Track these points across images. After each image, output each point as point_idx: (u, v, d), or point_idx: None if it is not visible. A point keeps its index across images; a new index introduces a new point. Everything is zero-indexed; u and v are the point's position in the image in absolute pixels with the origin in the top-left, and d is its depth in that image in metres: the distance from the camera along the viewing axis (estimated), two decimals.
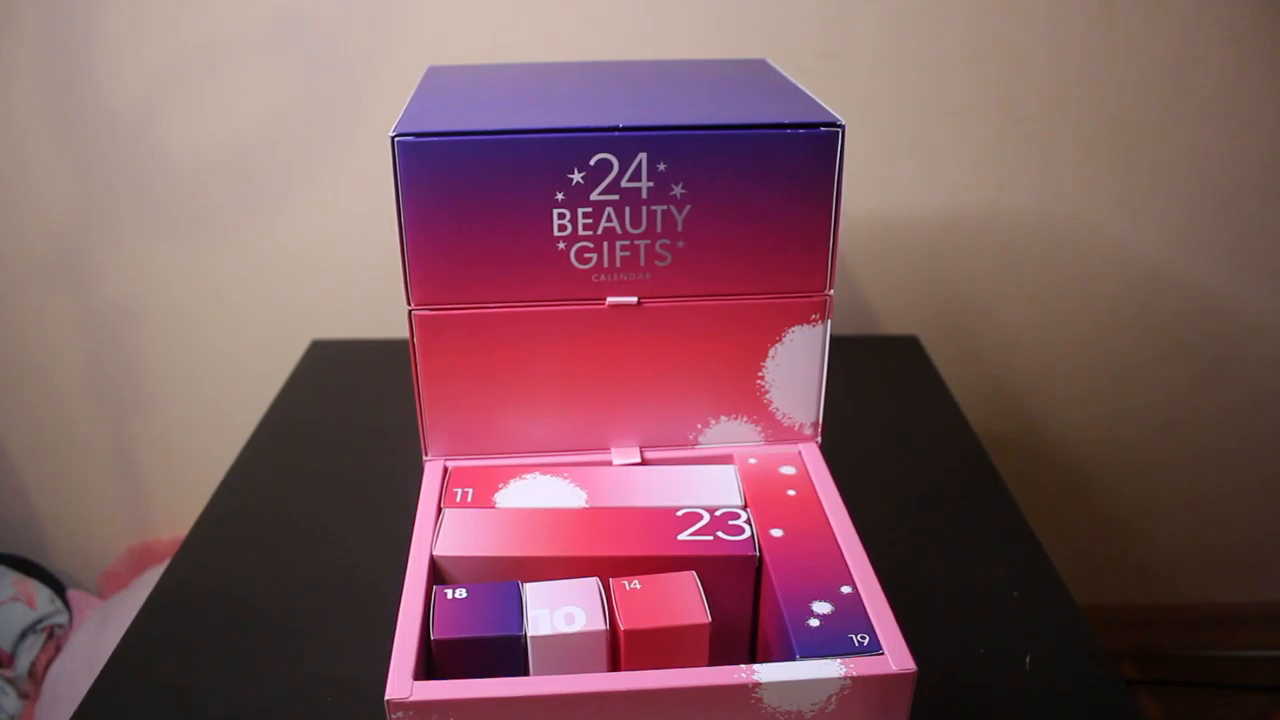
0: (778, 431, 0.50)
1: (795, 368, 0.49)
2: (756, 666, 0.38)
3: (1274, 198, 0.90)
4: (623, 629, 0.40)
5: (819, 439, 0.51)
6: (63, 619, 1.01)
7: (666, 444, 0.50)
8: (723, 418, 0.50)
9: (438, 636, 0.40)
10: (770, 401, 0.49)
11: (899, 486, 0.67)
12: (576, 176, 0.43)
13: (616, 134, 0.43)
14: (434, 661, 0.40)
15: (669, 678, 0.37)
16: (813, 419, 0.50)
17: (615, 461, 0.50)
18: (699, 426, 0.50)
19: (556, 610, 0.41)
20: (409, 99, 0.49)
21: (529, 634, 0.40)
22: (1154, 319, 0.95)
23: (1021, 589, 0.58)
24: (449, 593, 0.42)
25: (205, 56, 0.84)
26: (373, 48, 0.84)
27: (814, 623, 0.40)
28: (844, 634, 0.40)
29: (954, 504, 0.64)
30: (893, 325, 0.95)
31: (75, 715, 0.50)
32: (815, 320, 0.48)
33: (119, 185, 0.89)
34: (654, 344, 0.47)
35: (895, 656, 0.38)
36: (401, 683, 0.37)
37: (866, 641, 0.39)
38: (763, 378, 0.49)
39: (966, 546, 0.61)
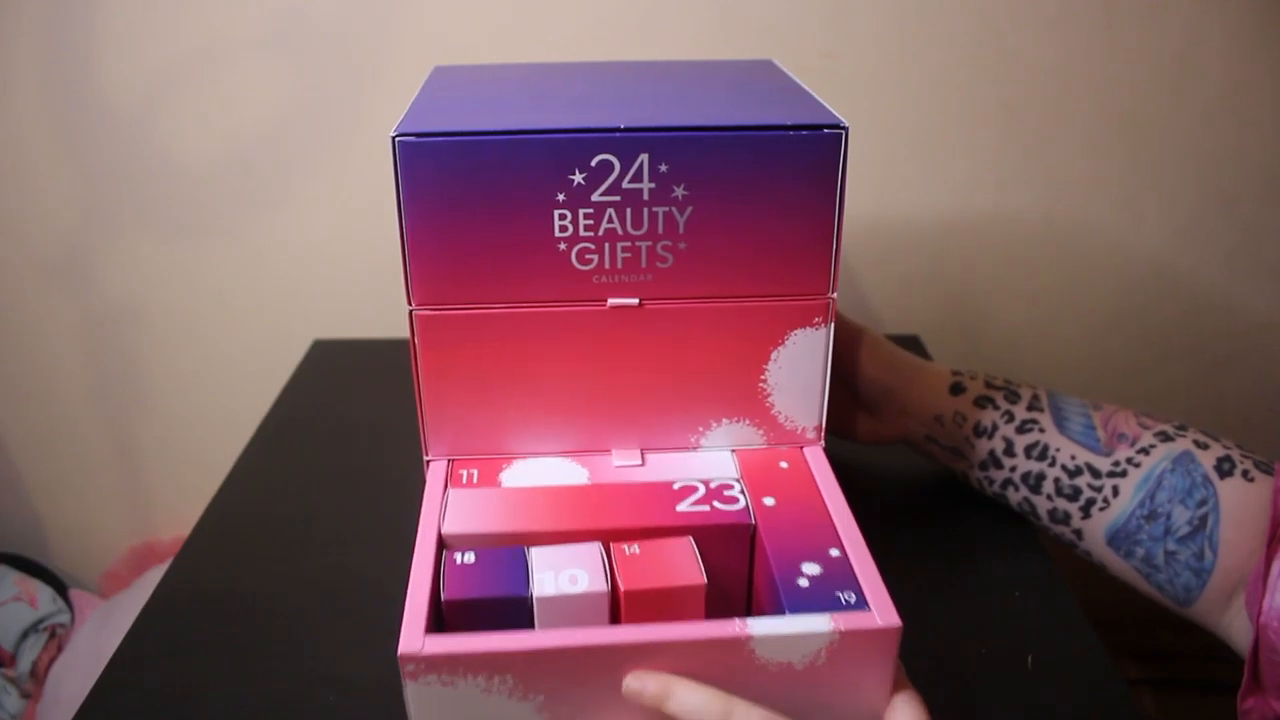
0: (780, 435, 0.50)
1: (798, 371, 0.49)
2: (749, 620, 0.39)
3: (1277, 199, 0.90)
4: (623, 589, 0.42)
5: (823, 442, 0.51)
6: (64, 618, 1.02)
7: (667, 446, 0.50)
8: (724, 420, 0.50)
9: (448, 597, 0.41)
10: (773, 404, 0.49)
11: (900, 486, 0.67)
12: (578, 177, 0.43)
13: (618, 135, 0.43)
14: (444, 623, 0.42)
15: (666, 631, 0.39)
16: (815, 422, 0.50)
17: (616, 463, 0.50)
18: (700, 429, 0.50)
19: (561, 572, 0.42)
20: (412, 99, 0.49)
21: (535, 595, 0.41)
22: (1156, 320, 0.95)
23: (1022, 589, 0.58)
24: (458, 557, 0.43)
25: (207, 56, 0.84)
26: (375, 47, 0.84)
27: (803, 583, 0.42)
28: (832, 592, 0.41)
29: (955, 503, 0.64)
30: (894, 325, 0.95)
31: (77, 715, 0.50)
32: (818, 323, 0.48)
33: (120, 185, 0.89)
34: (655, 346, 0.47)
35: (881, 613, 0.40)
36: (414, 638, 0.38)
37: (854, 600, 0.41)
38: (765, 380, 0.49)
39: (967, 546, 0.61)
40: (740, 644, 0.39)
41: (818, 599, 0.41)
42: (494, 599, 0.42)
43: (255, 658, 0.53)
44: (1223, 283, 0.93)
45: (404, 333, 0.47)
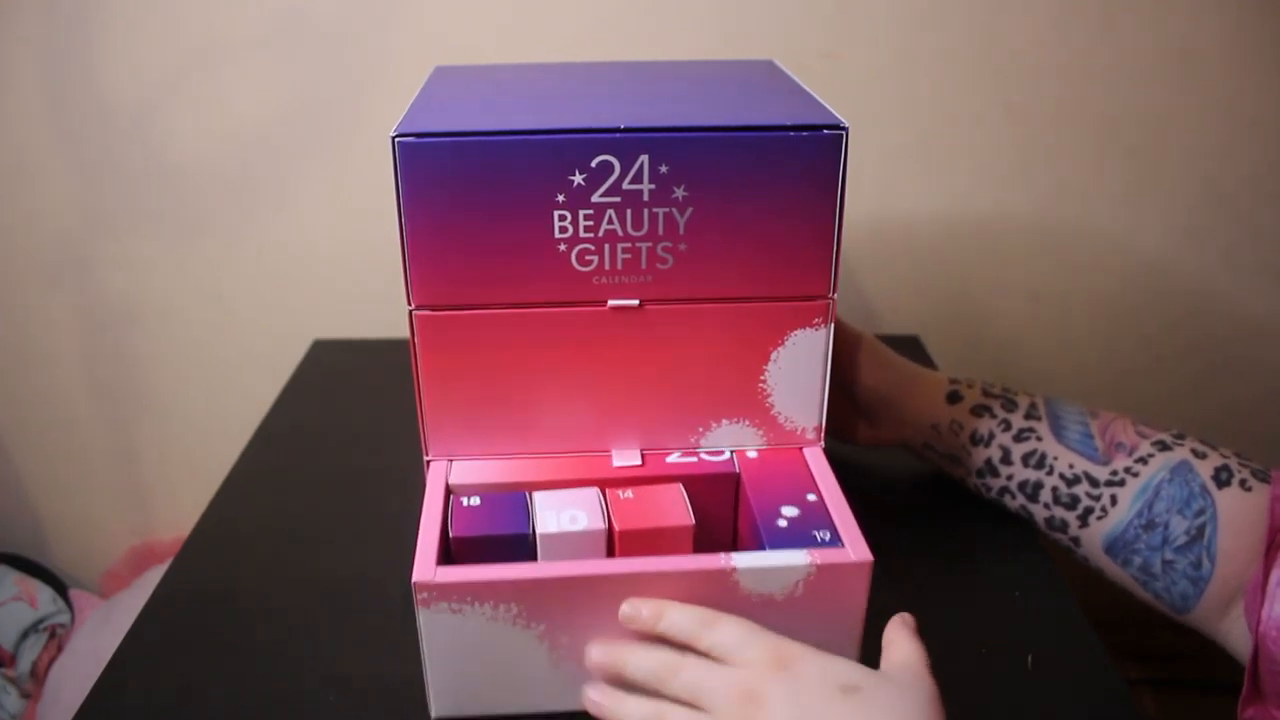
0: (780, 435, 0.50)
1: (798, 371, 0.49)
2: (734, 554, 0.43)
3: (1277, 198, 0.90)
4: (617, 529, 0.45)
5: (823, 443, 0.51)
6: (64, 619, 1.02)
7: (668, 447, 0.50)
8: (724, 421, 0.50)
9: (456, 535, 0.45)
10: (772, 405, 0.49)
11: (900, 486, 0.67)
12: (577, 178, 0.43)
13: (618, 135, 0.43)
14: (453, 561, 0.45)
15: (658, 563, 0.43)
16: (815, 423, 0.50)
17: (615, 463, 0.50)
18: (700, 429, 0.50)
19: (561, 513, 0.46)
20: (412, 99, 0.49)
21: (538, 532, 0.45)
22: (1156, 319, 0.95)
23: (1022, 589, 0.58)
24: (464, 500, 0.47)
25: (206, 56, 0.84)
26: (375, 47, 0.84)
27: (782, 523, 0.46)
28: (809, 531, 0.45)
29: (955, 504, 0.64)
30: (894, 326, 0.95)
31: (77, 715, 0.50)
32: (818, 324, 0.48)
33: (120, 185, 0.89)
34: (655, 347, 0.47)
35: (854, 549, 0.44)
36: (426, 568, 0.42)
37: (829, 537, 0.45)
38: (765, 381, 0.49)
39: (967, 546, 0.61)
40: (725, 575, 0.43)
41: (796, 537, 0.45)
42: (499, 536, 0.45)
43: (255, 658, 0.53)
44: (1223, 283, 0.93)
45: (404, 333, 0.47)
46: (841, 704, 0.38)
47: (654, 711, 0.41)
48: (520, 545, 0.45)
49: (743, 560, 0.43)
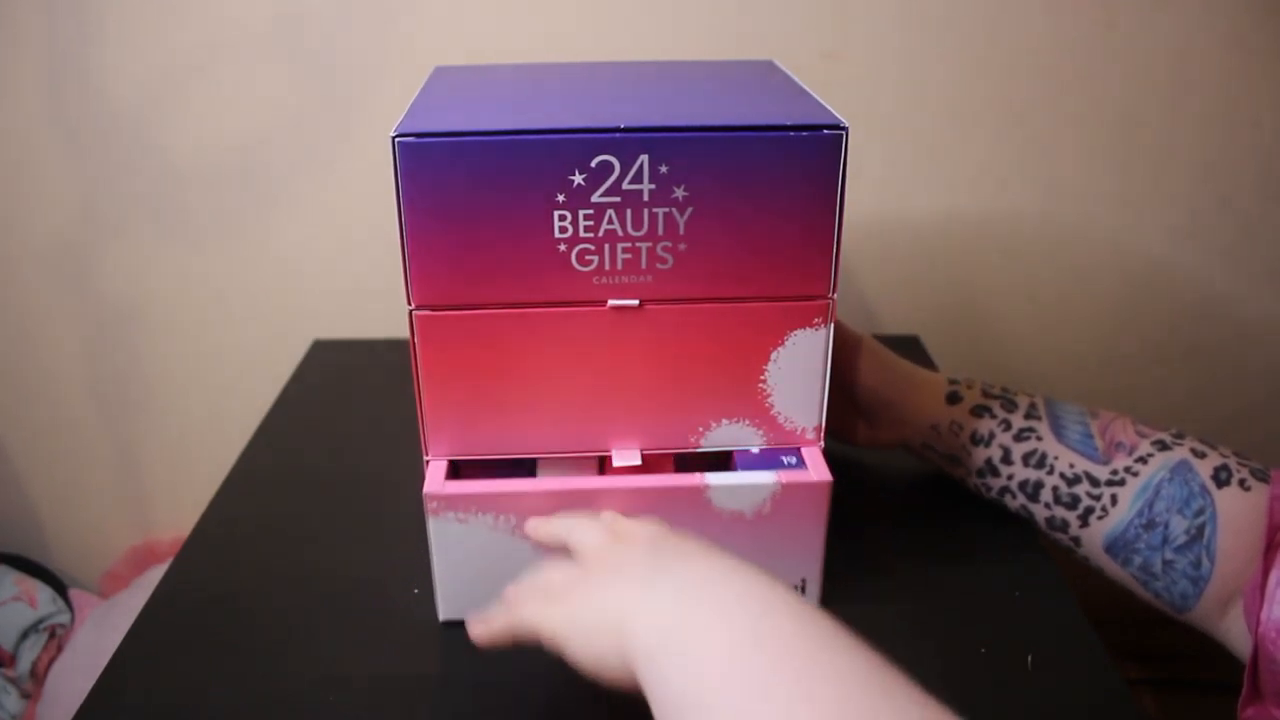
0: (780, 435, 0.51)
1: (798, 371, 0.49)
2: (707, 473, 0.48)
3: (1276, 198, 0.90)
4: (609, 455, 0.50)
5: (822, 443, 0.51)
6: (64, 618, 1.02)
7: (668, 447, 0.50)
8: (724, 421, 0.50)
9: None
10: (772, 405, 0.50)
11: (900, 486, 0.67)
12: (577, 178, 0.43)
13: (618, 135, 0.43)
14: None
15: (641, 480, 0.48)
16: (815, 423, 0.50)
17: (615, 463, 0.50)
18: (700, 429, 0.50)
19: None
20: (412, 99, 0.49)
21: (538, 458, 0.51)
22: (1155, 319, 0.95)
23: (1022, 589, 0.58)
24: None
25: (207, 56, 0.84)
26: (375, 47, 0.84)
27: (755, 450, 0.51)
28: (778, 457, 0.51)
29: (955, 504, 0.64)
30: (893, 325, 0.95)
31: (77, 715, 0.50)
32: (818, 324, 0.48)
33: (121, 185, 0.89)
34: (655, 347, 0.47)
35: (816, 470, 0.49)
36: (436, 481, 0.48)
37: (795, 462, 0.50)
38: (765, 381, 0.49)
39: (967, 546, 0.61)
40: (699, 492, 0.48)
41: (765, 461, 0.50)
42: (502, 458, 0.50)
43: (255, 658, 0.53)
44: (1224, 284, 0.93)
45: (404, 333, 0.47)
46: (696, 541, 0.40)
47: (533, 575, 0.44)
48: (521, 468, 0.51)
49: (715, 478, 0.48)
